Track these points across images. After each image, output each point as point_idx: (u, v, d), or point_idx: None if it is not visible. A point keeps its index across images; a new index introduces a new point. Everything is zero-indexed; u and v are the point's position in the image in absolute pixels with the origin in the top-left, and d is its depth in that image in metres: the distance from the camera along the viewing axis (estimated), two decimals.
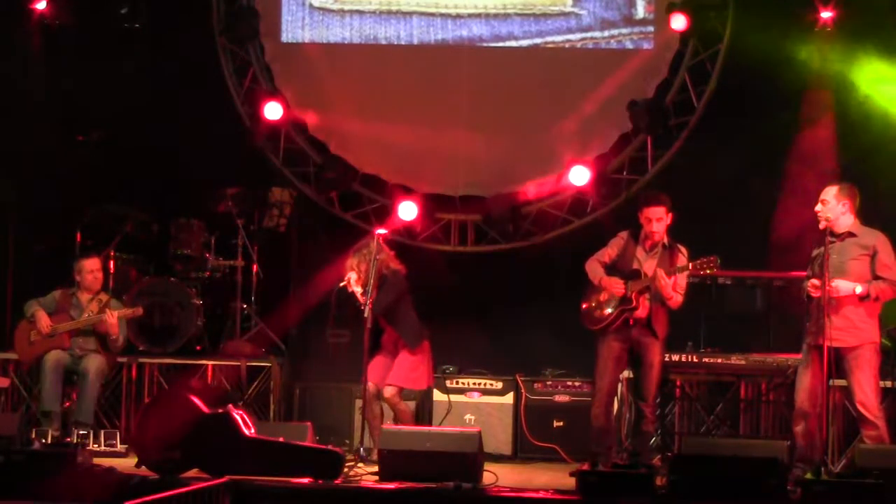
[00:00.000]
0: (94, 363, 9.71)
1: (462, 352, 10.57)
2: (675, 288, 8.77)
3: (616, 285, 8.81)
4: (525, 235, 11.48)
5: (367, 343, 9.07)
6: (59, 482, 7.79)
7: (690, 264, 8.71)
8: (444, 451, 8.20)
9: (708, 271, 8.73)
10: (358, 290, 9.13)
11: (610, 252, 9.01)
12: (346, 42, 11.67)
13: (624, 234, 9.02)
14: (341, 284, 9.17)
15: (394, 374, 9.19)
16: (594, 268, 8.99)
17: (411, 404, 9.77)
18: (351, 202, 11.66)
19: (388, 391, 9.17)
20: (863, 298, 8.24)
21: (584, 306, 9.03)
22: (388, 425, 9.01)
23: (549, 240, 11.40)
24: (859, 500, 7.48)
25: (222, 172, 11.18)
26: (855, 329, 8.26)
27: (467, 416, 9.95)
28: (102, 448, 9.30)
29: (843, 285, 8.20)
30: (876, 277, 8.30)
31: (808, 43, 10.66)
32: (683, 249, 8.90)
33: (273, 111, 11.45)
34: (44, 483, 7.78)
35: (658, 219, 8.83)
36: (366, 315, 8.99)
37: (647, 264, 8.85)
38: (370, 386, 9.19)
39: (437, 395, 10.13)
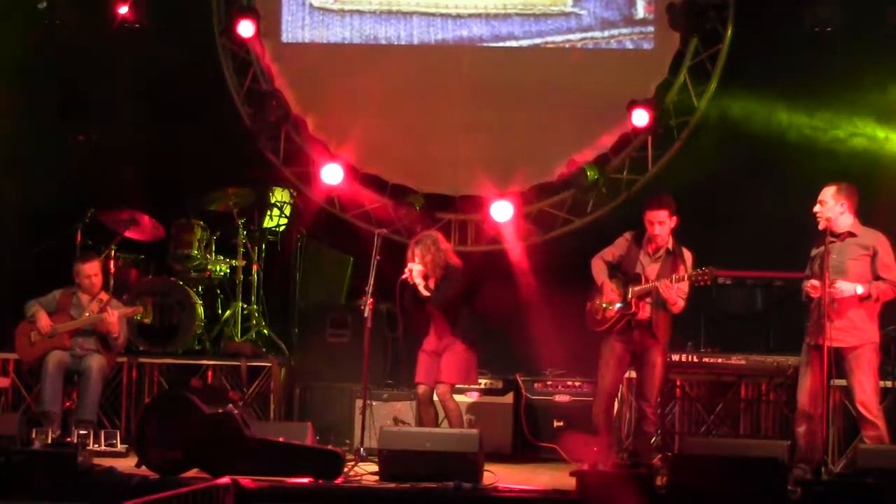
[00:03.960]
0: (95, 361, 9.72)
1: None
2: (677, 293, 8.76)
3: (615, 292, 8.81)
4: (525, 235, 11.47)
5: (368, 343, 9.08)
6: (60, 482, 7.80)
7: (686, 276, 8.70)
8: (444, 451, 8.21)
9: (703, 283, 8.70)
10: (420, 282, 9.07)
11: (614, 251, 9.01)
12: (346, 42, 11.67)
13: (629, 236, 9.01)
14: (403, 277, 9.11)
15: (445, 370, 9.11)
16: (599, 267, 8.99)
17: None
18: (351, 202, 11.65)
19: (441, 388, 9.11)
20: (864, 299, 8.24)
21: (588, 306, 9.03)
22: (388, 425, 9.01)
23: (549, 240, 11.40)
24: (859, 500, 7.48)
25: (222, 172, 11.19)
26: (855, 329, 8.27)
27: (467, 416, 9.94)
28: (102, 448, 9.30)
29: (844, 287, 8.20)
30: (877, 278, 8.30)
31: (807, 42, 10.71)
32: (688, 255, 8.86)
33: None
34: (44, 483, 7.79)
35: (660, 222, 8.81)
36: (366, 315, 9.00)
37: (650, 269, 8.84)
38: (422, 389, 9.18)
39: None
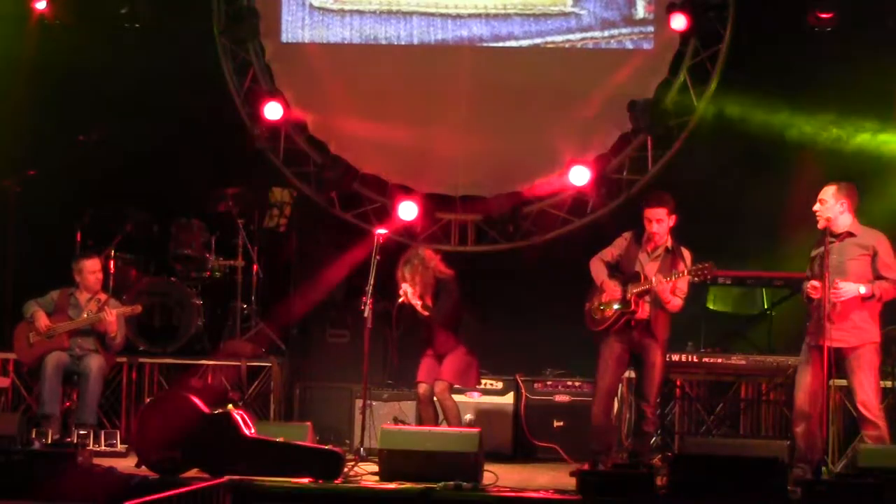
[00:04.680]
0: (95, 362, 9.72)
1: None
2: (675, 292, 8.75)
3: (614, 291, 8.81)
4: (525, 235, 11.47)
5: (368, 343, 9.10)
6: (60, 482, 7.80)
7: (686, 271, 8.70)
8: (444, 451, 8.21)
9: (703, 278, 8.69)
10: (417, 302, 9.22)
11: (613, 252, 9.02)
12: (346, 42, 11.66)
13: (627, 235, 9.02)
14: (400, 300, 9.23)
15: (445, 370, 9.28)
16: (598, 267, 8.99)
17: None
18: (351, 202, 11.66)
19: (439, 385, 9.23)
20: (866, 299, 8.23)
21: (586, 306, 9.03)
22: (388, 425, 9.03)
23: (549, 240, 11.40)
24: (859, 500, 7.48)
25: (222, 172, 11.20)
26: (856, 329, 8.25)
27: (467, 416, 9.95)
28: (102, 448, 9.30)
29: (847, 288, 8.17)
30: (878, 277, 8.29)
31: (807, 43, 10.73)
32: (686, 254, 8.86)
33: (273, 111, 11.45)
34: (44, 483, 7.79)
35: (658, 220, 8.81)
36: (366, 315, 9.03)
37: (649, 267, 8.84)
38: (423, 388, 9.30)
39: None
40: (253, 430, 8.38)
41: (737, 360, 9.65)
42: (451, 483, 7.93)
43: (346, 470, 8.36)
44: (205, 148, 11.25)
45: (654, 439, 9.26)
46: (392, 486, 8.09)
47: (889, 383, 9.09)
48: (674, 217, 8.84)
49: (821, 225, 8.33)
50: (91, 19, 11.48)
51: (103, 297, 10.02)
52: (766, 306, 10.18)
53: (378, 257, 9.17)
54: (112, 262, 10.74)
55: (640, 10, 11.38)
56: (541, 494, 7.92)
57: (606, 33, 11.41)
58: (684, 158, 11.11)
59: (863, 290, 8.20)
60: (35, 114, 11.26)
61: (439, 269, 9.34)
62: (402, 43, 11.59)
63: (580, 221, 11.38)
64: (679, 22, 10.93)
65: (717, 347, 9.81)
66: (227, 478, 7.52)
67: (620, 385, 9.52)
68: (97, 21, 11.49)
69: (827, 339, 8.08)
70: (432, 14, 11.57)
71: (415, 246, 9.56)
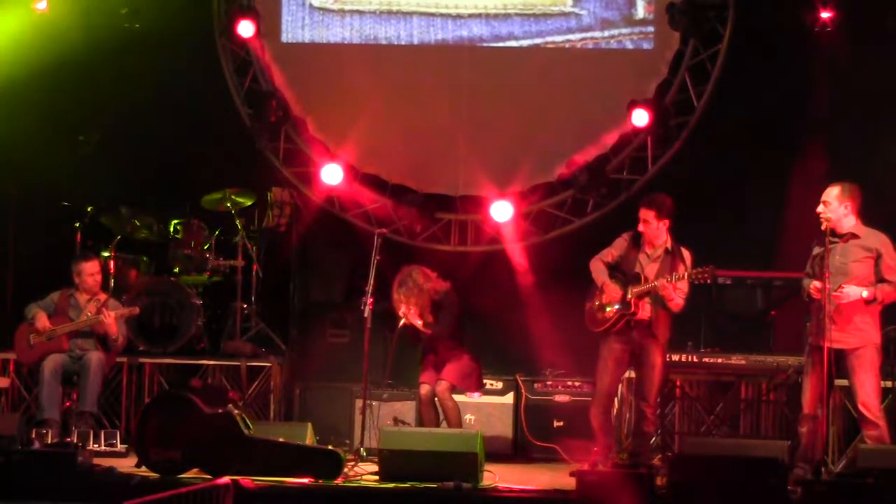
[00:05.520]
0: (95, 356, 9.71)
1: None
2: (676, 292, 8.74)
3: (615, 292, 8.81)
4: (525, 235, 11.46)
5: (368, 343, 9.11)
6: (60, 482, 7.81)
7: (686, 274, 8.70)
8: (444, 451, 8.22)
9: (703, 281, 8.69)
10: (418, 322, 9.32)
11: (612, 252, 9.02)
12: (346, 42, 11.66)
13: (626, 236, 9.01)
14: (402, 323, 9.32)
15: (447, 371, 9.37)
16: (598, 268, 8.99)
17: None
18: (351, 202, 11.65)
19: (441, 385, 9.31)
20: (869, 302, 8.22)
21: (587, 306, 9.03)
22: (389, 425, 9.05)
23: (549, 240, 11.39)
24: (859, 500, 7.48)
25: (222, 172, 11.19)
26: (857, 330, 8.25)
27: (467, 416, 9.95)
28: (102, 448, 9.30)
29: (850, 291, 8.15)
30: (880, 280, 8.27)
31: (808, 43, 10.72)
32: (687, 255, 8.85)
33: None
34: (44, 483, 7.80)
35: (645, 221, 8.81)
36: (366, 315, 9.04)
37: (649, 268, 8.84)
38: (425, 389, 9.37)
39: None
40: (253, 430, 8.38)
41: (737, 360, 9.65)
42: (451, 483, 7.94)
43: (346, 470, 8.36)
44: (204, 148, 11.25)
45: (654, 439, 9.25)
46: (392, 486, 8.09)
47: (889, 383, 9.08)
48: (666, 221, 8.81)
49: (823, 226, 8.29)
50: (91, 19, 11.47)
51: (103, 297, 10.01)
52: (765, 306, 10.19)
53: (378, 257, 9.18)
54: (112, 263, 10.75)
55: (640, 10, 11.37)
56: (541, 494, 7.92)
57: (606, 33, 11.41)
58: (684, 158, 11.10)
59: (865, 294, 8.19)
60: (35, 114, 11.25)
61: (435, 289, 9.41)
62: (402, 43, 11.59)
63: (580, 221, 11.37)
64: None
65: (717, 347, 9.81)
66: (227, 478, 7.52)
67: (620, 385, 9.52)
68: (97, 21, 11.48)
69: (827, 340, 8.08)
70: (432, 14, 11.57)
71: (406, 268, 9.56)
